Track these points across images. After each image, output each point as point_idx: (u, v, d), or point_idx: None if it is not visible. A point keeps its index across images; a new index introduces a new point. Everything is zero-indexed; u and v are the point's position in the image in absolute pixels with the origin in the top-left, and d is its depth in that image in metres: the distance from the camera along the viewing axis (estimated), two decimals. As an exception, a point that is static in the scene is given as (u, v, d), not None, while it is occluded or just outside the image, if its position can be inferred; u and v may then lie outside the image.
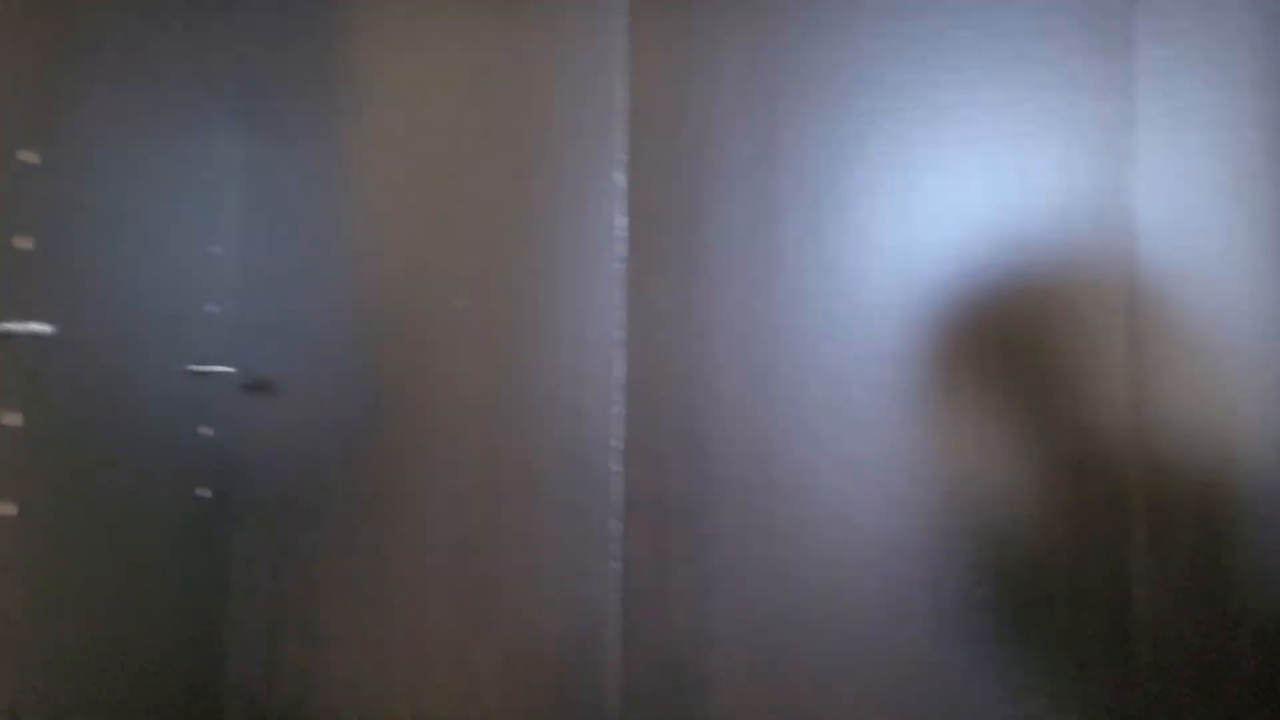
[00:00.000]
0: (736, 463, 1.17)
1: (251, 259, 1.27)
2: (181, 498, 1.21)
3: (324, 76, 1.28)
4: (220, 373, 1.25)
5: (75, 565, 1.05)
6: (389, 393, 1.23)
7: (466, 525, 1.21)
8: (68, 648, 1.04)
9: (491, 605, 1.19)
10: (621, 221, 1.21)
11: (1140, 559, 1.11)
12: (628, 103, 1.22)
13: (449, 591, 1.20)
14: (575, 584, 1.18)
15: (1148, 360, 1.13)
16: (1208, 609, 1.10)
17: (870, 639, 1.14)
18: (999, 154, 1.16)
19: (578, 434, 1.20)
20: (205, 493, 1.24)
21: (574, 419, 1.20)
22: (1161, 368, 1.12)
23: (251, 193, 1.28)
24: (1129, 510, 1.11)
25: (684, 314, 1.20)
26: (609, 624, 1.18)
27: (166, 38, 1.19)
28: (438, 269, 1.24)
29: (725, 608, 1.16)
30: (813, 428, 1.16)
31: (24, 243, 1.00)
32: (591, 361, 1.20)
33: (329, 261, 1.26)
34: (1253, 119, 1.14)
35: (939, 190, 1.17)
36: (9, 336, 0.97)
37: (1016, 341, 1.14)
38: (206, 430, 1.24)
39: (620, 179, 1.22)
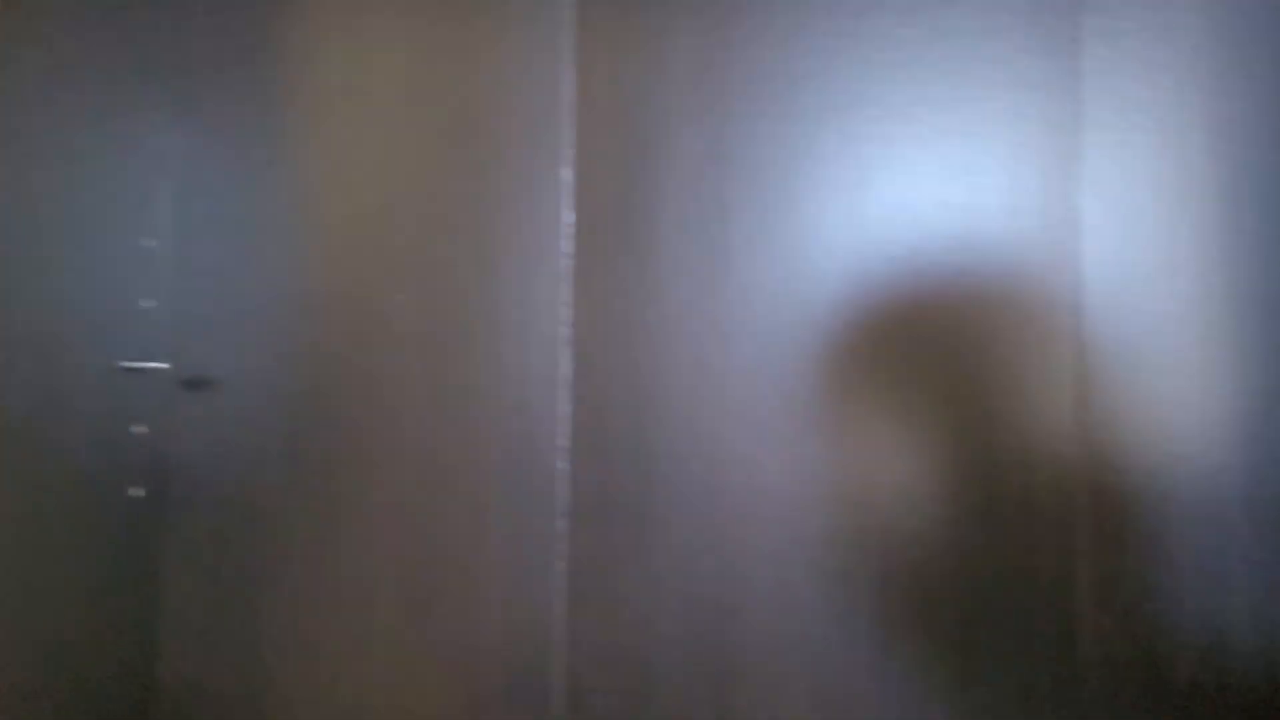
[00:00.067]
0: (684, 461, 1.16)
1: (186, 253, 1.24)
2: (113, 497, 1.18)
3: (262, 66, 1.25)
4: (154, 369, 1.22)
5: (2, 565, 1.02)
6: (329, 389, 1.21)
7: (409, 524, 1.19)
8: (-8, 652, 1.01)
9: (435, 605, 1.18)
10: (568, 217, 1.20)
11: (1086, 556, 1.11)
12: (575, 97, 1.21)
13: (391, 591, 1.18)
14: (521, 583, 1.17)
15: (1093, 356, 1.13)
16: (1152, 605, 1.11)
17: (816, 638, 1.13)
18: (948, 152, 1.16)
19: (523, 432, 1.18)
20: (138, 491, 1.21)
21: (519, 417, 1.18)
22: (1106, 364, 1.13)
23: (186, 185, 1.25)
24: (1074, 505, 1.11)
25: (632, 312, 1.18)
26: (555, 623, 1.16)
27: (98, 28, 1.16)
28: (380, 264, 1.22)
29: (672, 607, 1.15)
30: (761, 427, 1.16)
31: (-56, 235, 0.97)
32: (537, 359, 1.19)
33: (267, 255, 1.23)
34: (1196, 120, 1.14)
35: (889, 188, 1.17)
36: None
37: (965, 339, 1.14)
38: (140, 428, 1.21)
39: (567, 174, 1.20)
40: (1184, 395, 1.12)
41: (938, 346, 1.14)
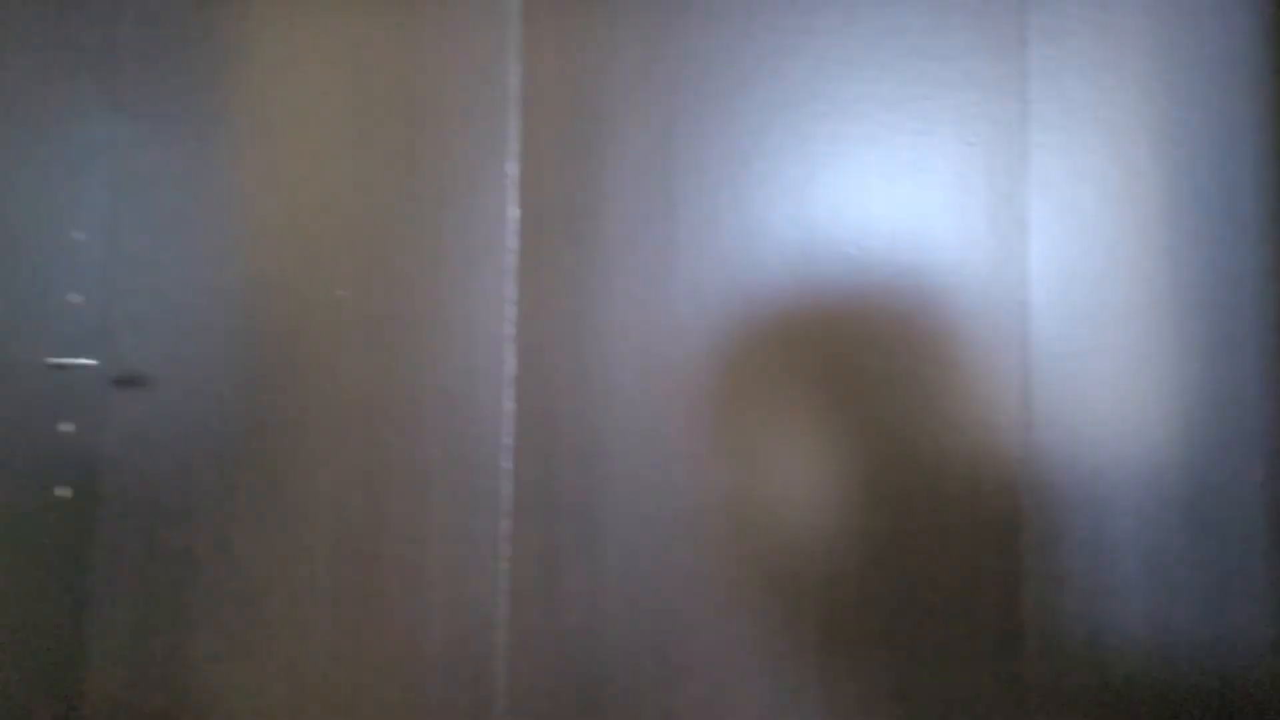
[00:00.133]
0: (630, 460, 1.15)
1: (118, 245, 1.20)
2: (39, 498, 1.14)
3: (197, 56, 1.22)
4: (82, 365, 1.18)
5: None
6: (267, 387, 1.18)
7: (348, 525, 1.16)
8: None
9: (374, 608, 1.15)
10: (513, 213, 1.18)
11: (1031, 555, 1.12)
12: (521, 90, 1.19)
13: (329, 594, 1.16)
14: (463, 584, 1.15)
15: (1038, 355, 1.13)
16: (1096, 604, 1.11)
17: (763, 640, 1.12)
18: (896, 150, 1.16)
19: (466, 431, 1.16)
20: (65, 492, 1.17)
21: (463, 415, 1.16)
22: (1051, 363, 1.13)
23: (118, 176, 1.21)
24: (1019, 505, 1.12)
25: (577, 308, 1.17)
26: (497, 625, 1.14)
27: (24, 15, 1.12)
28: (319, 258, 1.19)
29: (617, 608, 1.14)
30: (709, 425, 1.15)
31: None
32: (481, 356, 1.17)
33: (202, 249, 1.20)
34: (1142, 120, 1.15)
35: (837, 185, 1.16)
36: None
37: (911, 337, 1.14)
38: (67, 426, 1.17)
39: (512, 169, 1.18)
40: (1128, 394, 1.13)
41: (883, 344, 1.14)
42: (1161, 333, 1.13)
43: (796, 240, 1.16)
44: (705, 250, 1.16)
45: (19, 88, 1.18)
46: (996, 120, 1.16)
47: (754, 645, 1.12)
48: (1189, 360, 1.12)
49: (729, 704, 1.12)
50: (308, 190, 1.20)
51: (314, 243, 1.19)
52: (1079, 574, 1.11)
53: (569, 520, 1.15)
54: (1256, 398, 1.12)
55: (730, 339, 1.15)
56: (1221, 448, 1.11)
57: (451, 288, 1.17)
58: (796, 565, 1.13)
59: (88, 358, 1.19)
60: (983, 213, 1.15)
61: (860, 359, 1.14)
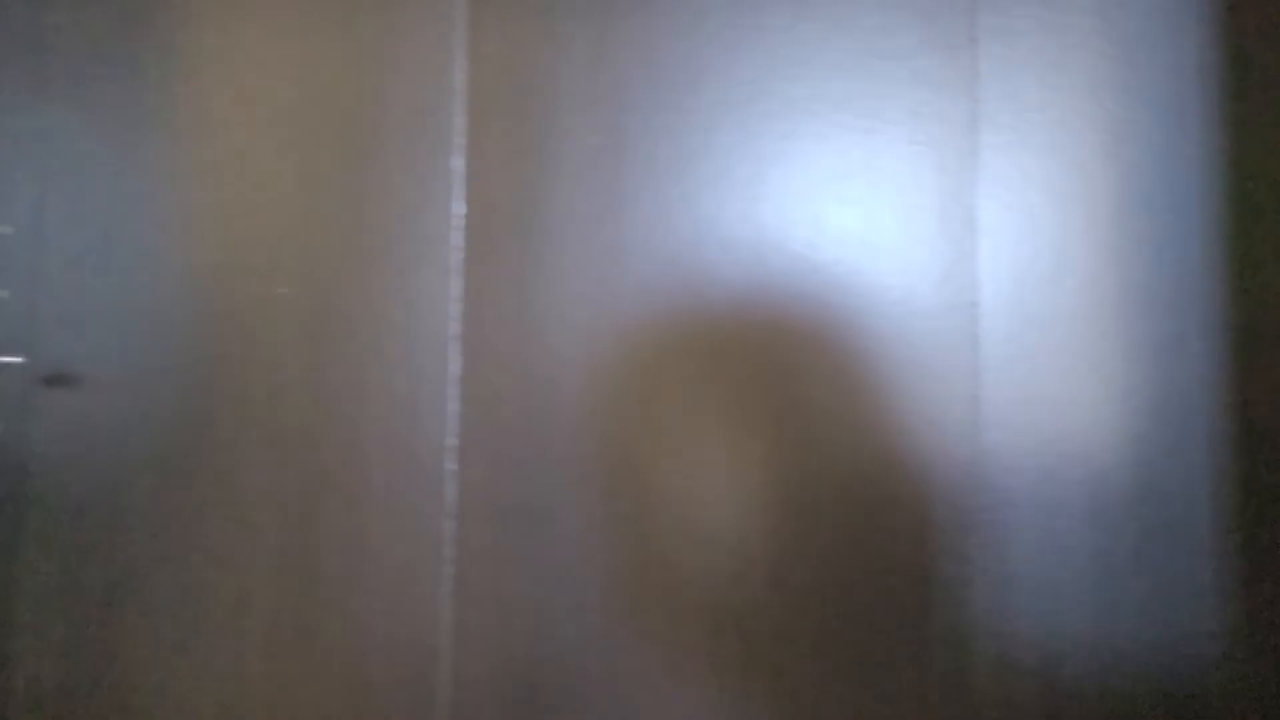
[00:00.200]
0: (578, 463, 1.13)
1: (47, 239, 1.17)
2: (-38, 501, 1.11)
3: (130, 43, 1.19)
4: (9, 364, 1.15)
5: None
6: (203, 386, 1.15)
7: (287, 529, 1.13)
8: None
9: (314, 614, 1.12)
10: (459, 209, 1.16)
11: (980, 556, 1.11)
12: (467, 85, 1.17)
13: (267, 601, 1.13)
14: (406, 589, 1.13)
15: (987, 355, 1.13)
16: (1044, 605, 1.11)
17: (713, 644, 1.11)
18: (846, 149, 1.15)
19: (410, 432, 1.14)
20: (-10, 495, 1.13)
21: (406, 416, 1.14)
22: (1001, 363, 1.13)
23: (46, 167, 1.17)
24: (968, 506, 1.11)
25: (524, 307, 1.15)
26: (441, 631, 1.12)
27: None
28: (260, 254, 1.16)
29: (565, 613, 1.12)
30: (658, 426, 1.13)
31: None
32: (425, 355, 1.14)
33: (136, 243, 1.17)
34: (1091, 121, 1.15)
35: (786, 183, 1.15)
36: None
37: (860, 337, 1.14)
38: (-7, 427, 1.14)
39: (458, 165, 1.16)
40: (1076, 395, 1.12)
41: (833, 344, 1.13)
42: (1110, 334, 1.13)
43: (746, 239, 1.15)
44: (654, 248, 1.15)
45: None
46: (947, 120, 1.15)
47: (702, 648, 1.11)
48: (1138, 361, 1.13)
49: (679, 710, 1.11)
50: (246, 184, 1.17)
51: (253, 238, 1.16)
52: (1028, 576, 1.11)
53: (514, 522, 1.13)
54: (1205, 399, 1.12)
55: (679, 338, 1.14)
56: (1170, 449, 1.12)
57: (395, 285, 1.15)
58: (744, 567, 1.12)
59: (15, 355, 1.16)
60: (933, 213, 1.15)
61: (809, 359, 1.13)
